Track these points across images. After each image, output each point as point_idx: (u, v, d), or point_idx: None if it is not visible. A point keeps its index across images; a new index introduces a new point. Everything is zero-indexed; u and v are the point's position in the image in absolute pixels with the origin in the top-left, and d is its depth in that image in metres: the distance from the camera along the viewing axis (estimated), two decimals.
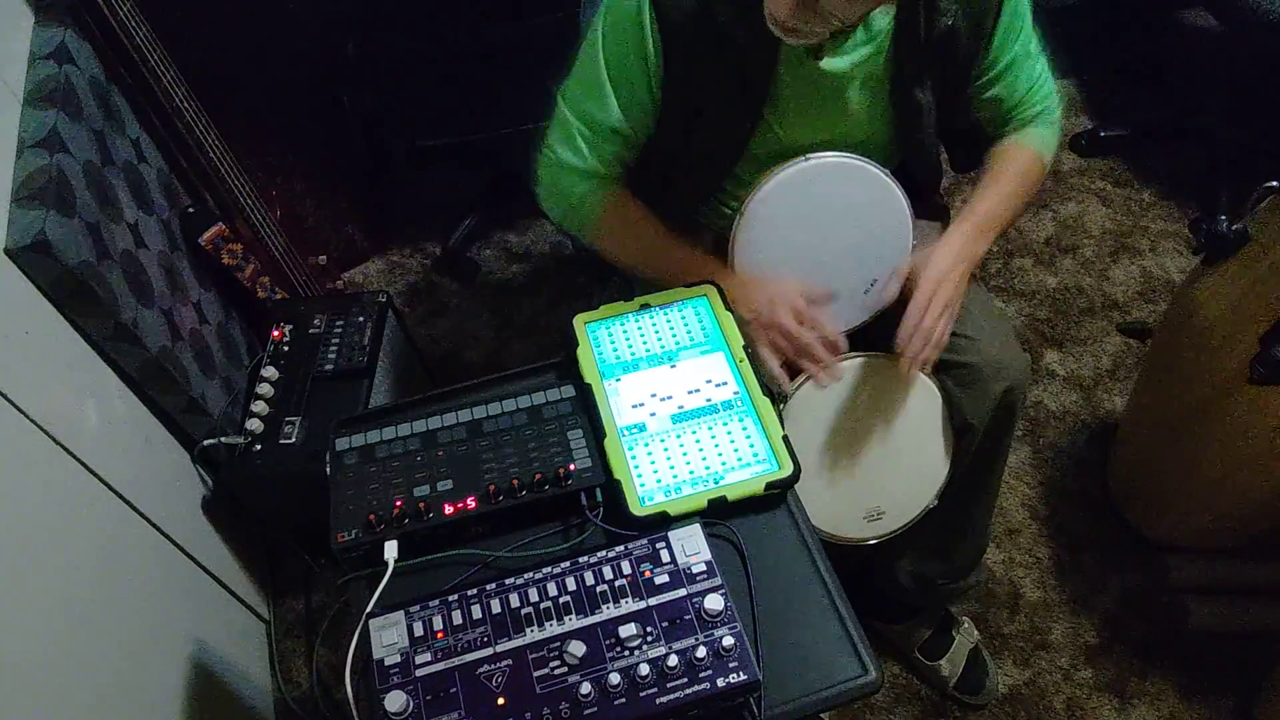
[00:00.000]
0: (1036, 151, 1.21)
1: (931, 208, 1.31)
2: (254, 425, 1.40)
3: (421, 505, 0.88)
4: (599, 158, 1.15)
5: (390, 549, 0.86)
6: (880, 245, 1.16)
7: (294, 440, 1.39)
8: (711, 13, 1.03)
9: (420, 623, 0.79)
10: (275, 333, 1.52)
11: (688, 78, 1.08)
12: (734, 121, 1.12)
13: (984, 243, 1.16)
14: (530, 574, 0.82)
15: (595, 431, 0.94)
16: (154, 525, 1.28)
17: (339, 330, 1.51)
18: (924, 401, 1.20)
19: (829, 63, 1.07)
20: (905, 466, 1.22)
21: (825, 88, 1.10)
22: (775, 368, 1.10)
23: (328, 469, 0.93)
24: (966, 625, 1.50)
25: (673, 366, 1.01)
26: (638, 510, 0.88)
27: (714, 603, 0.78)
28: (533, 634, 0.78)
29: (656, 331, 1.04)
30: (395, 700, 0.74)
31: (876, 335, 1.20)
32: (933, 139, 1.19)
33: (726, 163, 1.17)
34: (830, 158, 1.11)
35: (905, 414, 1.20)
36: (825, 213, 1.14)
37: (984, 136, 1.26)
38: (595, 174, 1.16)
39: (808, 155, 1.11)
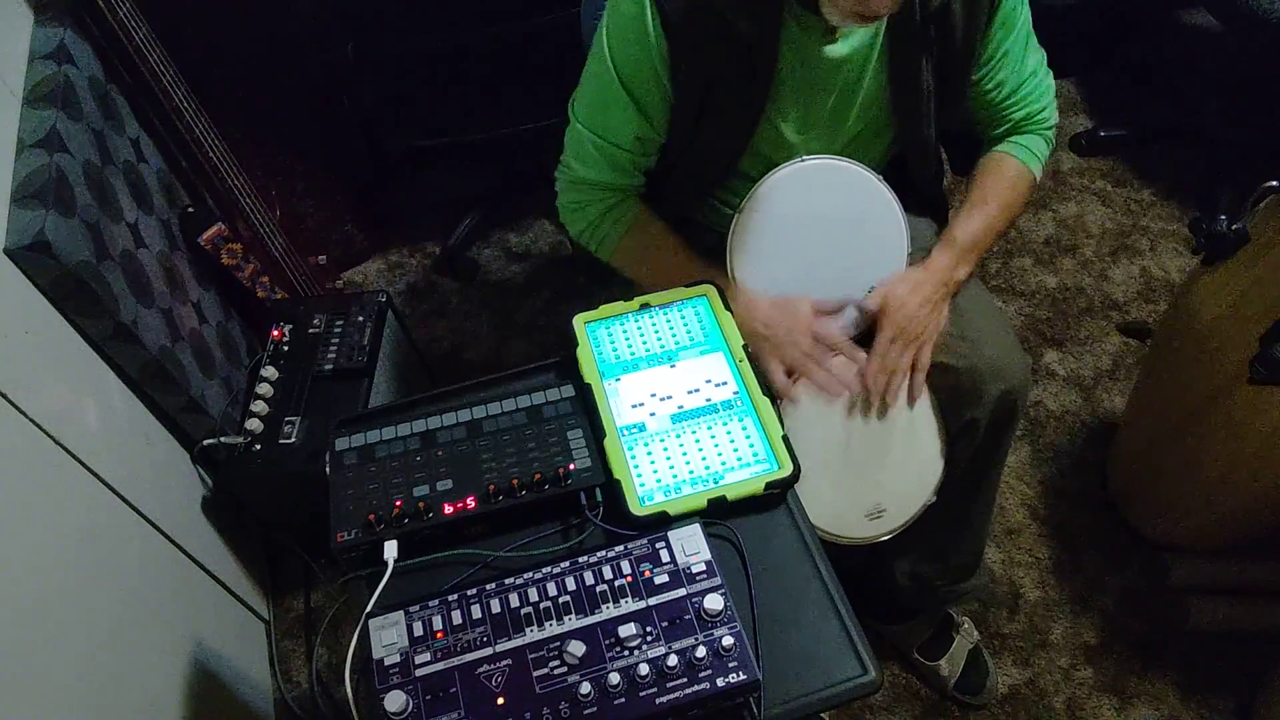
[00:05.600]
0: (1025, 164, 1.20)
1: (930, 199, 1.31)
2: (254, 425, 1.40)
3: (421, 505, 0.88)
4: (615, 168, 1.15)
5: (390, 549, 0.86)
6: (877, 247, 1.16)
7: (294, 440, 1.39)
8: (712, 4, 1.02)
9: (420, 622, 0.79)
10: (275, 333, 1.52)
11: (695, 72, 1.08)
12: (739, 113, 1.12)
13: (965, 268, 1.17)
14: (530, 574, 0.82)
15: (595, 431, 0.94)
16: (153, 525, 1.28)
17: (339, 330, 1.51)
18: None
19: (829, 49, 1.07)
20: (903, 463, 1.22)
21: (826, 75, 1.10)
22: (781, 378, 1.12)
23: (327, 469, 0.93)
24: (966, 626, 1.50)
25: (672, 366, 1.01)
26: (637, 510, 0.88)
27: (714, 602, 0.78)
28: (532, 634, 0.78)
29: (656, 331, 1.04)
30: (395, 700, 0.74)
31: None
32: (932, 125, 1.18)
33: (730, 157, 1.17)
34: (813, 160, 1.11)
35: (901, 410, 1.20)
36: (816, 216, 1.14)
37: (979, 140, 1.26)
38: (613, 186, 1.17)
39: (791, 159, 1.12)
